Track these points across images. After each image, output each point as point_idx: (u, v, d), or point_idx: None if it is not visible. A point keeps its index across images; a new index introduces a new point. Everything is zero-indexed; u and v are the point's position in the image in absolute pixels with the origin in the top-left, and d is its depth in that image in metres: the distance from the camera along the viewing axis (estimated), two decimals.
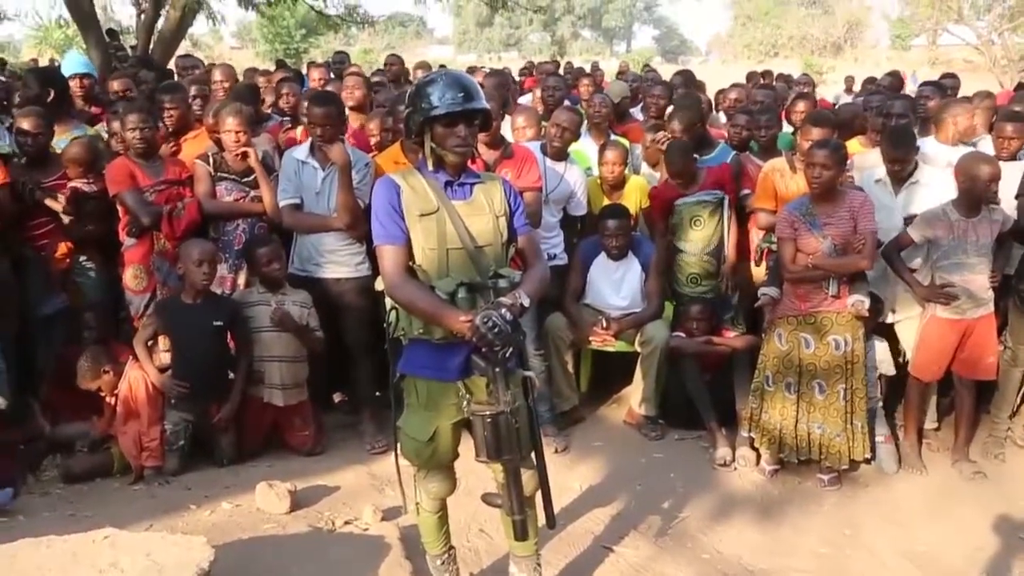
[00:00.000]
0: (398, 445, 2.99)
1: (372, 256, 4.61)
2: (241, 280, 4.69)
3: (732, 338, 4.90)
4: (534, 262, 2.94)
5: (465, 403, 2.80)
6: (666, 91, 6.28)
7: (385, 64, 9.10)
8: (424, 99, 2.71)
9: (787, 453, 4.39)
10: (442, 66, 11.78)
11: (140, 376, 4.21)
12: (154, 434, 4.16)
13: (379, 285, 2.87)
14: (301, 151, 4.56)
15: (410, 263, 2.75)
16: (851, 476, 4.46)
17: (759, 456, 4.56)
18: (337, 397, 5.25)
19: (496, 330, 2.55)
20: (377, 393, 4.80)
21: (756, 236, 5.14)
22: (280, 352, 4.40)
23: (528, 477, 2.87)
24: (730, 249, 5.02)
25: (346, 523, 3.80)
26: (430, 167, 2.80)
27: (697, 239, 4.98)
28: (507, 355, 2.64)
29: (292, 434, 4.52)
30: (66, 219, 4.57)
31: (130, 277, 4.66)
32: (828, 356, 4.27)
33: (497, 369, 2.65)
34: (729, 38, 59.92)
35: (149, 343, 4.34)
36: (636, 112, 7.05)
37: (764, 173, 4.88)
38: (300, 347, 4.45)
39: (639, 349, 4.95)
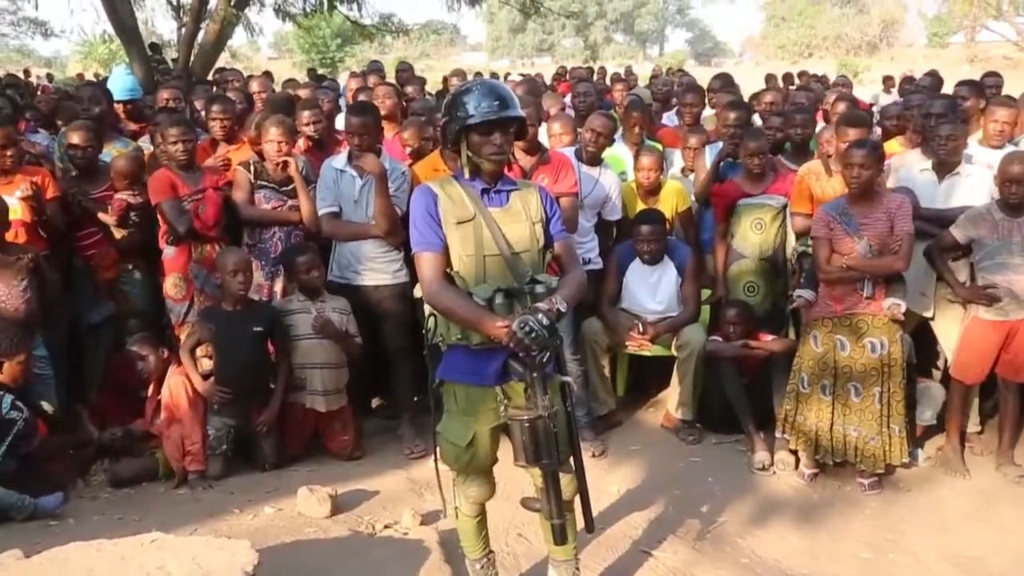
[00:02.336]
0: (437, 450, 3.02)
1: (410, 263, 4.67)
2: (278, 287, 4.77)
3: (769, 342, 4.88)
4: (571, 268, 2.96)
5: (503, 408, 2.83)
6: (699, 97, 6.26)
7: (396, 72, 9.07)
8: (460, 108, 2.75)
9: (823, 455, 4.36)
10: (478, 74, 11.90)
11: (181, 382, 4.29)
12: (197, 439, 4.24)
13: (418, 292, 2.91)
14: (339, 160, 4.62)
15: (448, 270, 2.78)
16: (892, 480, 4.42)
17: (798, 460, 4.53)
18: (376, 402, 5.30)
19: (533, 335, 2.57)
20: (416, 398, 4.86)
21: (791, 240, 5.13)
22: (321, 359, 4.46)
23: (567, 481, 2.89)
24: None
25: (386, 527, 3.84)
26: (467, 175, 2.84)
27: (756, 243, 4.97)
28: (544, 360, 2.66)
29: (333, 439, 4.58)
30: (118, 233, 4.69)
31: (170, 286, 4.76)
32: (864, 359, 4.23)
33: (534, 374, 2.68)
34: (763, 39, 59.54)
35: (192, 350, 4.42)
36: (668, 117, 7.07)
37: (800, 176, 4.85)
38: (340, 353, 4.51)
39: (676, 353, 4.95)
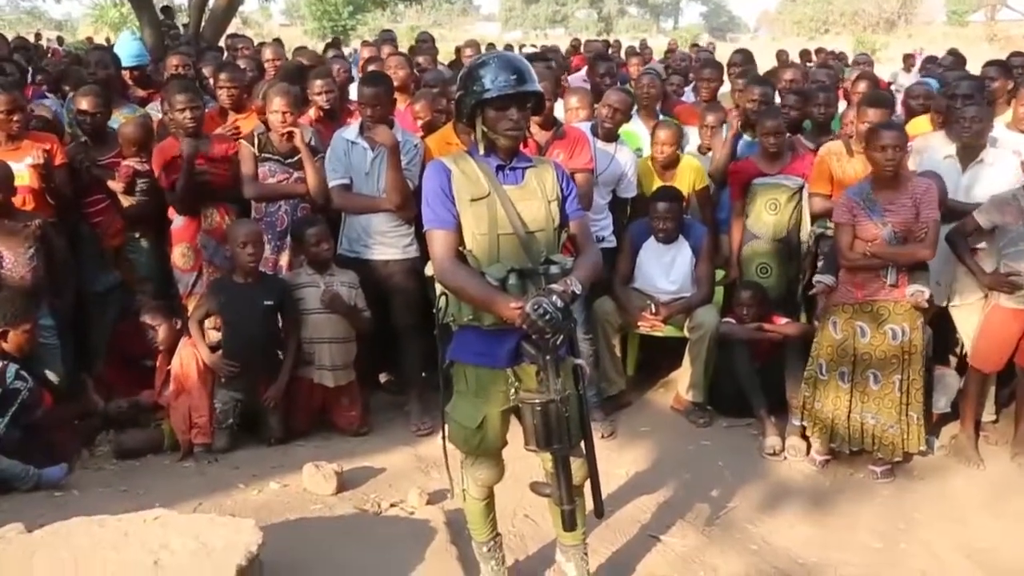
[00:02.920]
0: (446, 431, 2.97)
1: (420, 238, 4.60)
2: (284, 261, 4.71)
3: (783, 325, 4.80)
4: (586, 248, 2.89)
5: (514, 391, 2.77)
6: (717, 72, 6.11)
7: (416, 42, 8.88)
8: (476, 82, 2.66)
9: (839, 443, 4.30)
10: (491, 46, 11.73)
11: (192, 353, 4.25)
12: (204, 411, 4.20)
13: (429, 270, 2.84)
14: (351, 131, 4.54)
15: (460, 248, 2.71)
16: (905, 468, 4.35)
17: (809, 446, 4.47)
18: (383, 377, 5.25)
19: (547, 317, 2.51)
20: (423, 374, 4.82)
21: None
22: (330, 333, 4.41)
23: (577, 466, 2.83)
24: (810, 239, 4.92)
25: (392, 505, 3.80)
26: (481, 151, 2.76)
27: (770, 224, 4.89)
28: (558, 343, 2.61)
29: (340, 414, 4.54)
30: (125, 201, 4.62)
31: (178, 255, 4.71)
32: (884, 346, 4.15)
33: (547, 357, 2.62)
34: (778, 14, 58.81)
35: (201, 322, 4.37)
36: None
37: (820, 156, 4.75)
38: (349, 328, 4.46)
39: (688, 334, 4.87)
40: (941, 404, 4.57)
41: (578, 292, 2.66)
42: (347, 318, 4.44)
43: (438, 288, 2.80)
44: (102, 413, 4.43)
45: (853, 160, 4.61)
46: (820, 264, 4.72)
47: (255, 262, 4.28)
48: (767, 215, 4.94)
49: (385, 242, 4.52)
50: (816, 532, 3.83)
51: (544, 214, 2.77)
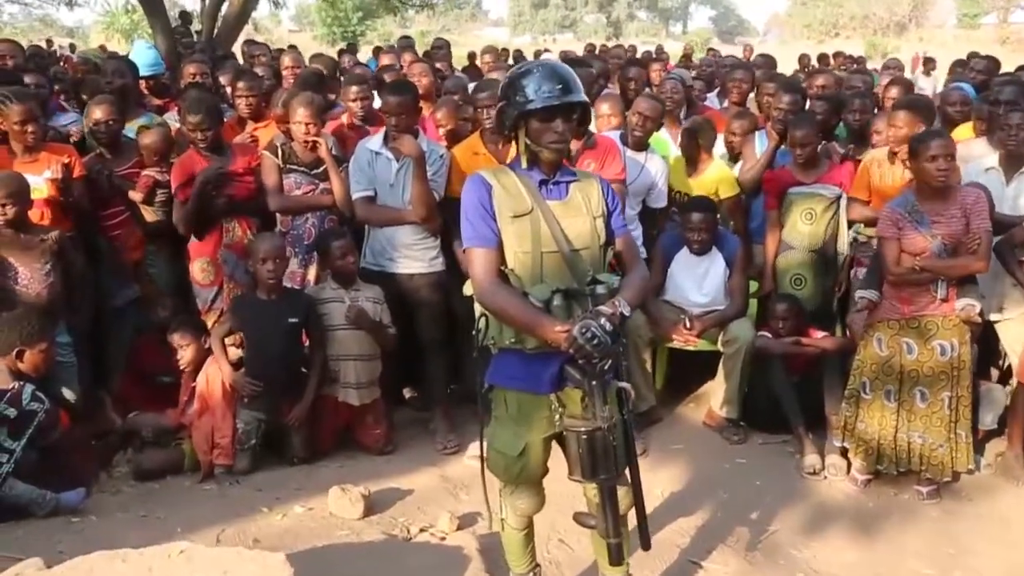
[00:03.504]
0: (484, 459, 2.82)
1: (446, 251, 4.48)
2: (311, 275, 4.57)
3: (821, 339, 4.65)
4: (633, 266, 2.75)
5: (558, 417, 2.64)
6: (749, 75, 5.97)
7: (432, 48, 8.75)
8: (519, 92, 2.53)
9: (886, 465, 4.13)
10: (504, 50, 11.58)
11: (217, 372, 4.11)
12: (226, 432, 4.06)
13: (467, 289, 2.71)
14: (375, 142, 4.41)
15: (501, 268, 2.57)
16: (951, 488, 4.19)
17: (850, 464, 4.31)
18: (407, 393, 5.11)
19: (595, 341, 2.37)
20: (450, 388, 4.68)
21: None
22: (356, 351, 4.27)
23: (623, 494, 2.69)
24: (848, 250, 4.77)
25: (421, 531, 3.66)
26: (524, 165, 2.62)
27: (805, 234, 4.74)
28: (605, 367, 2.47)
29: (364, 432, 4.40)
30: (149, 215, 4.51)
31: (197, 270, 4.58)
32: (932, 362, 3.99)
33: (594, 382, 2.48)
34: (788, 17, 58.60)
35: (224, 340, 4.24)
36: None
37: (864, 164, 4.61)
38: (374, 345, 4.33)
39: (722, 348, 4.72)
40: (988, 420, 4.41)
41: (627, 314, 2.53)
42: (372, 335, 4.30)
43: (477, 309, 2.67)
44: (120, 431, 4.30)
45: (893, 167, 4.46)
46: (855, 275, 4.58)
47: (276, 279, 4.14)
48: (803, 225, 4.79)
49: (410, 255, 4.39)
50: (863, 557, 3.67)
51: (589, 231, 2.63)
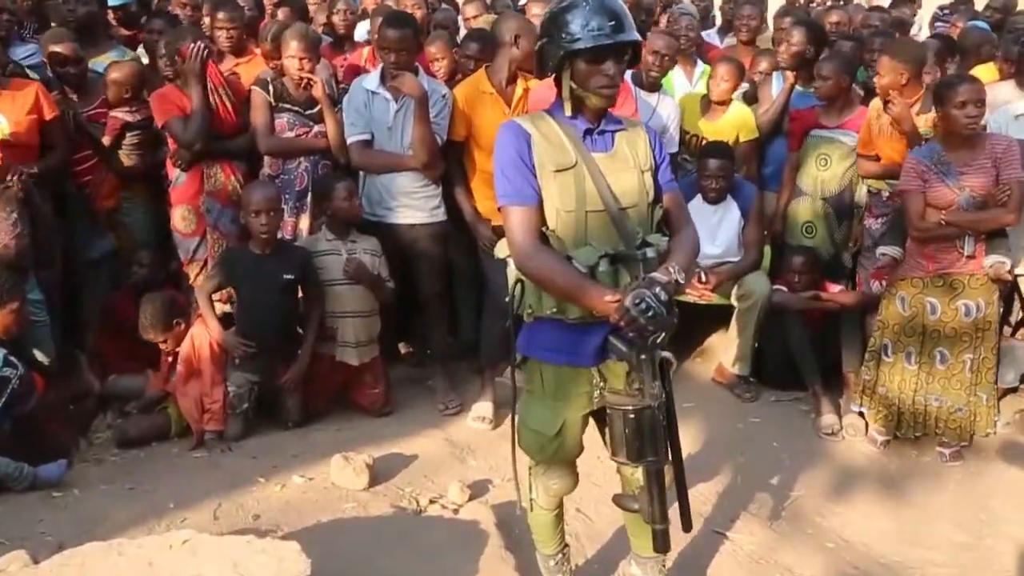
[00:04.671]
0: (515, 436, 2.57)
1: (448, 200, 4.18)
2: (304, 224, 4.25)
3: (839, 293, 4.44)
4: (683, 227, 2.48)
5: (598, 392, 2.40)
6: (757, 10, 5.59)
7: None
8: (563, 29, 2.23)
9: (904, 430, 3.97)
10: None
11: (204, 333, 3.80)
12: (217, 396, 3.77)
13: (500, 252, 2.43)
14: (371, 80, 4.06)
15: (542, 228, 2.30)
16: (973, 448, 4.03)
17: (867, 424, 4.15)
18: (403, 348, 4.84)
19: (650, 313, 2.12)
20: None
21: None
22: (353, 307, 3.99)
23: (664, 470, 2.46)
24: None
25: (431, 502, 3.43)
26: (567, 112, 2.32)
27: (817, 180, 4.49)
28: (657, 340, 2.22)
29: (362, 392, 4.14)
30: (126, 159, 4.13)
31: (179, 218, 4.24)
32: (956, 322, 3.80)
33: (643, 356, 2.23)
34: None
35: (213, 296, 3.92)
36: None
37: (867, 116, 4.33)
38: (373, 300, 4.04)
39: (736, 303, 4.49)
40: (1009, 378, 4.23)
41: (682, 282, 2.27)
42: (371, 289, 4.01)
43: (511, 274, 2.40)
44: (99, 393, 4.00)
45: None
46: (870, 227, 4.37)
47: (270, 232, 3.81)
48: (815, 170, 4.54)
49: (411, 204, 4.08)
50: (892, 525, 3.51)
51: (638, 187, 2.36)
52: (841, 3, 5.87)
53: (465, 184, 4.20)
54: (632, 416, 2.26)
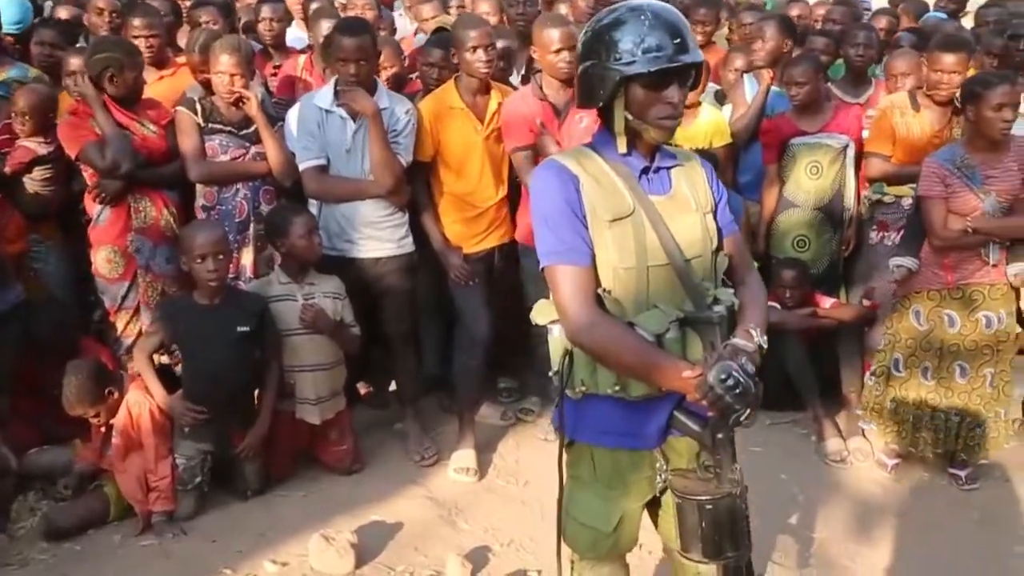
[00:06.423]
0: (561, 529, 2.16)
1: (415, 229, 3.74)
2: (247, 259, 3.75)
3: (837, 308, 4.17)
4: (746, 274, 2.12)
5: (660, 476, 2.02)
6: (713, 13, 5.13)
7: None
8: (613, 49, 1.82)
9: (921, 447, 3.73)
10: None
11: (143, 399, 3.23)
12: (164, 471, 3.21)
13: (541, 317, 2.01)
14: (323, 97, 3.57)
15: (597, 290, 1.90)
16: (985, 468, 3.83)
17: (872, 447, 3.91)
18: (362, 388, 4.36)
19: (738, 390, 1.75)
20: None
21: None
22: (314, 359, 3.48)
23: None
24: (855, 206, 4.25)
25: None
26: (621, 148, 1.91)
27: (812, 191, 4.19)
28: (741, 419, 1.85)
29: (327, 450, 3.65)
30: (32, 188, 3.53)
31: (102, 261, 3.67)
32: (976, 335, 3.58)
33: (719, 435, 1.86)
34: None
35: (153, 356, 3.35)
36: None
37: (881, 110, 4.06)
38: (337, 350, 3.55)
39: None
40: (1017, 393, 4.04)
41: (765, 347, 1.91)
42: (333, 338, 3.52)
43: (558, 345, 1.98)
44: (16, 472, 3.40)
45: (920, 115, 3.95)
46: (879, 240, 4.12)
47: (219, 279, 3.27)
48: (807, 180, 4.24)
49: (375, 235, 3.62)
50: (931, 567, 3.24)
51: (701, 233, 1.98)
52: None
53: (432, 208, 3.76)
54: (710, 508, 1.89)
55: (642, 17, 1.82)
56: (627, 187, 1.89)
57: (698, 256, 1.96)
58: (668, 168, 1.98)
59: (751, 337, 1.89)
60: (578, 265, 1.86)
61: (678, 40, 1.80)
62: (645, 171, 1.93)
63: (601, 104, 1.89)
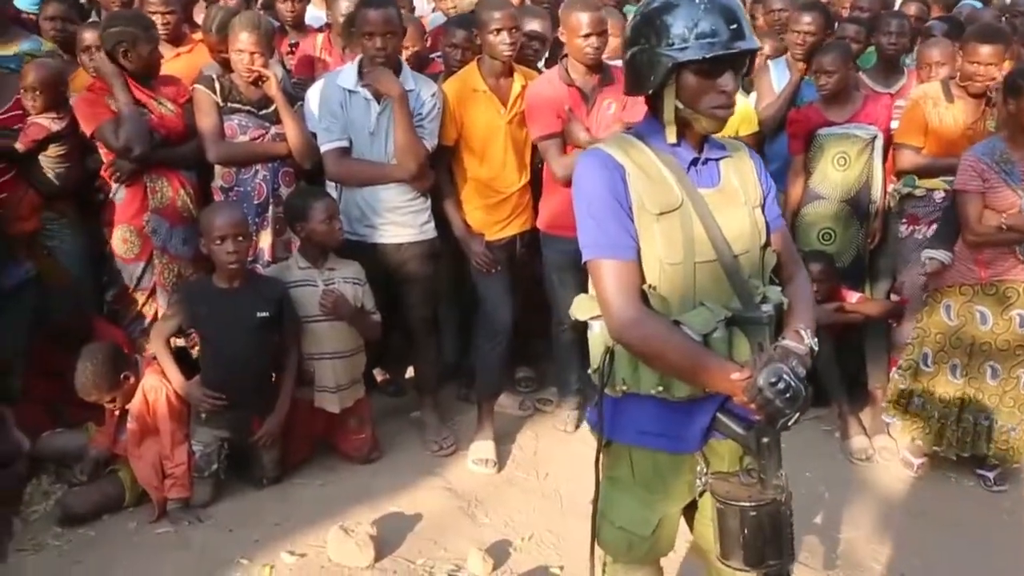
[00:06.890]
0: (596, 531, 2.09)
1: (435, 215, 3.67)
2: (265, 242, 3.67)
3: (864, 304, 4.09)
4: (794, 272, 2.05)
5: (700, 479, 1.94)
6: None
7: None
8: (664, 33, 1.73)
9: (945, 448, 3.66)
10: None
11: (160, 384, 3.17)
12: (180, 458, 3.16)
13: (581, 312, 1.94)
14: (347, 77, 3.47)
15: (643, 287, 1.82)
16: (1013, 470, 3.75)
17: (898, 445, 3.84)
18: (378, 375, 4.29)
19: (788, 394, 1.68)
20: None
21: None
22: (333, 347, 3.41)
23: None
24: (882, 197, 4.16)
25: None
26: (670, 137, 1.83)
27: (839, 183, 4.09)
28: (789, 424, 1.78)
29: (346, 439, 3.59)
30: (51, 170, 3.45)
31: (119, 240, 3.61)
32: (1009, 334, 3.49)
33: (765, 439, 1.79)
34: None
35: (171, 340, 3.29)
36: None
37: (914, 101, 3.97)
38: (356, 337, 3.48)
39: None
40: None
41: (816, 349, 1.84)
42: (353, 324, 3.45)
43: (595, 340, 1.91)
44: (30, 455, 3.34)
45: (953, 106, 3.86)
46: (910, 233, 4.03)
47: (239, 262, 3.20)
48: (835, 172, 4.14)
49: (397, 220, 3.54)
50: (958, 568, 3.18)
51: (750, 228, 1.90)
52: None
53: (454, 194, 3.68)
54: (753, 514, 1.82)
55: (696, 0, 1.73)
56: (675, 179, 1.81)
57: (746, 252, 1.88)
58: (717, 159, 1.90)
59: (802, 339, 1.83)
60: (623, 259, 1.78)
61: (734, 25, 1.72)
62: (694, 162, 1.85)
63: (650, 91, 1.80)
